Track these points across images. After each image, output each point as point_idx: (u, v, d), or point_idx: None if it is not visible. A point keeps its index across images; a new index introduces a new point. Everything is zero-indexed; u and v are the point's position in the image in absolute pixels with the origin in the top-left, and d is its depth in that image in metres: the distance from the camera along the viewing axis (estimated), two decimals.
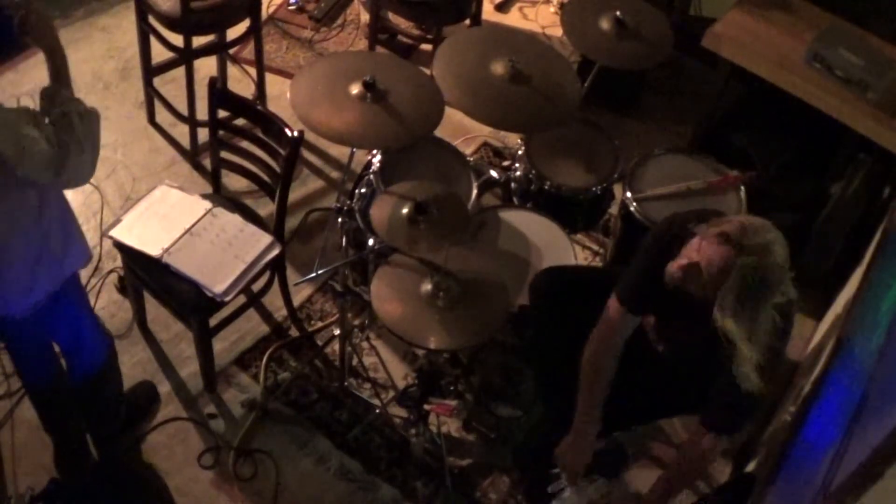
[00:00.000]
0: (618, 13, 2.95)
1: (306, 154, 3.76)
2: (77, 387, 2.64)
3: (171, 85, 3.77)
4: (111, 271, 3.29)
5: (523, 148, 3.10)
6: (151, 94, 3.70)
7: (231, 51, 3.85)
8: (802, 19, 3.35)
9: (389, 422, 2.99)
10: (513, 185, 3.15)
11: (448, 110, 2.66)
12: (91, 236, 3.37)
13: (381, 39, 4.10)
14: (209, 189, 3.07)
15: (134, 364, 3.07)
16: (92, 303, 3.01)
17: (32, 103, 2.06)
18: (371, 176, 2.94)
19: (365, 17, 4.13)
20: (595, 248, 3.49)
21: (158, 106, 3.72)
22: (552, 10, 4.47)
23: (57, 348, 2.57)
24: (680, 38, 3.08)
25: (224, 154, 2.96)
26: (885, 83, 3.03)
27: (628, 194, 2.98)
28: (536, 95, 2.75)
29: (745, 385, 2.12)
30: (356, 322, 3.16)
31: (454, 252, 2.46)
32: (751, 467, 2.76)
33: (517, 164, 3.14)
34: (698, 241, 2.14)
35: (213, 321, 2.85)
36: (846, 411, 2.04)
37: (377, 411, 2.99)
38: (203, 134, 3.58)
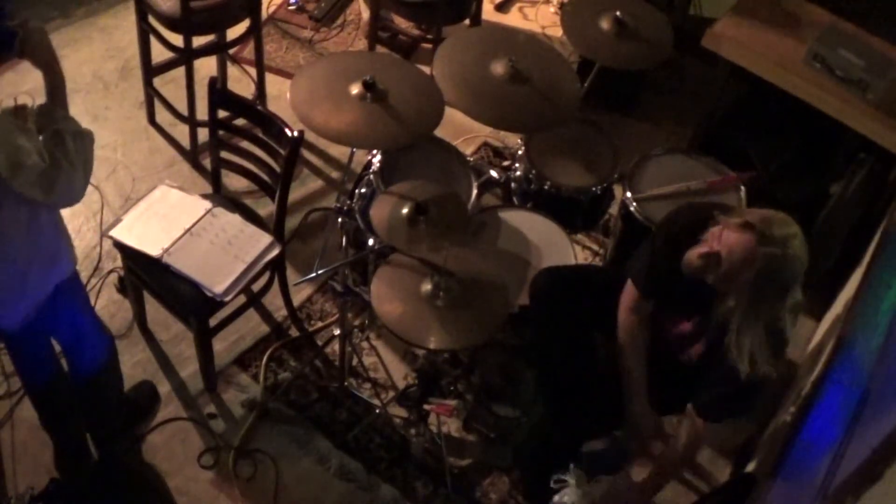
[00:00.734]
0: (618, 13, 2.95)
1: (306, 154, 3.76)
2: (78, 385, 2.65)
3: (171, 85, 3.77)
4: (111, 271, 3.29)
5: (523, 148, 3.10)
6: (151, 94, 3.70)
7: (231, 51, 3.85)
8: (802, 19, 3.35)
9: (389, 422, 2.99)
10: (513, 185, 3.15)
11: (448, 110, 2.65)
12: (91, 236, 3.38)
13: (381, 39, 4.10)
14: (209, 189, 3.07)
15: (134, 364, 3.07)
16: (92, 303, 3.00)
17: (31, 101, 2.06)
18: (371, 176, 2.94)
19: (365, 17, 4.13)
20: (595, 248, 3.49)
21: (158, 106, 3.73)
22: (552, 10, 4.47)
23: (58, 347, 2.57)
24: (680, 38, 3.08)
25: (224, 154, 2.96)
26: (885, 83, 3.03)
27: (628, 194, 2.98)
28: (536, 95, 2.75)
29: (741, 369, 2.15)
30: (356, 322, 3.16)
31: (454, 252, 2.46)
32: (751, 467, 2.76)
33: (517, 164, 3.14)
34: (720, 229, 2.14)
35: (213, 321, 2.85)
36: (846, 411, 2.04)
37: (377, 411, 2.99)
38: (203, 134, 3.58)
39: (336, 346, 3.05)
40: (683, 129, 3.89)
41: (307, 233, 3.49)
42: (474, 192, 2.96)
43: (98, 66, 3.97)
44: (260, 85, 3.74)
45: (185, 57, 3.42)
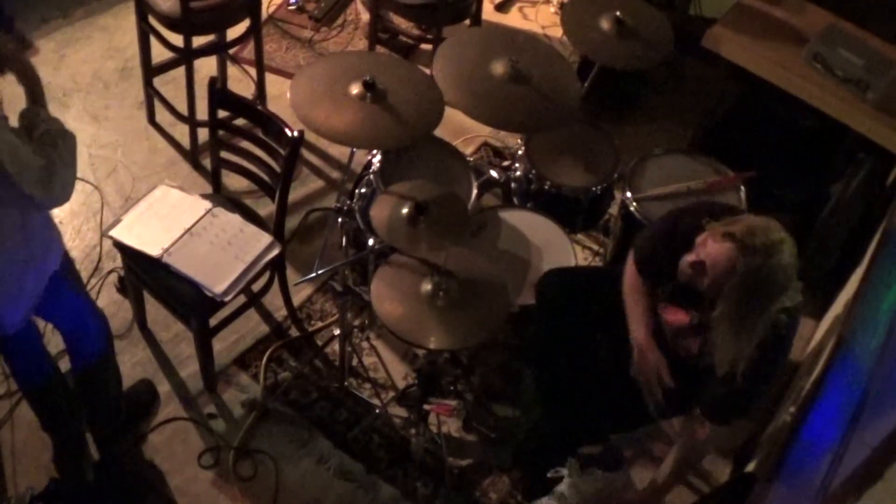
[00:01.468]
0: (618, 13, 2.95)
1: (306, 154, 3.76)
2: (81, 376, 2.66)
3: (171, 85, 3.77)
4: (111, 271, 3.29)
5: (523, 148, 3.10)
6: (151, 94, 3.70)
7: (231, 51, 3.85)
8: (802, 19, 3.35)
9: (389, 422, 2.99)
10: (513, 185, 3.15)
11: (448, 110, 2.65)
12: (91, 236, 3.38)
13: (381, 39, 4.10)
14: (209, 189, 3.07)
15: (134, 364, 3.07)
16: None
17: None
18: (371, 176, 2.94)
19: (365, 17, 4.13)
20: (595, 248, 3.49)
21: (158, 106, 3.73)
22: (552, 10, 4.48)
23: (56, 346, 2.58)
24: (680, 38, 3.08)
25: (224, 154, 2.96)
26: (885, 83, 3.03)
27: (628, 194, 2.98)
28: (536, 95, 2.75)
29: (718, 371, 2.18)
30: (356, 322, 3.16)
31: (454, 252, 2.46)
32: (751, 467, 2.76)
33: (517, 164, 3.14)
34: (705, 237, 2.15)
35: (213, 321, 2.85)
36: (846, 411, 2.04)
37: (377, 411, 2.99)
38: (203, 134, 3.58)
39: (336, 346, 3.05)
40: (683, 129, 3.89)
41: (307, 233, 3.49)
42: (474, 192, 2.96)
43: (98, 66, 3.97)
44: (260, 85, 3.74)
45: (185, 57, 3.42)
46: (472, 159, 3.32)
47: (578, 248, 3.02)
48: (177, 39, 3.36)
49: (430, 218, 2.41)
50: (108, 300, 3.23)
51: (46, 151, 2.00)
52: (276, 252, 2.79)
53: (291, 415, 3.00)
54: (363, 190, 2.98)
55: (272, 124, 2.72)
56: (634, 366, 2.47)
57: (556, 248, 2.89)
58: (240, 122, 2.99)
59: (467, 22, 3.87)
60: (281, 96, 3.84)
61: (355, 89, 2.56)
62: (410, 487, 2.87)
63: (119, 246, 2.77)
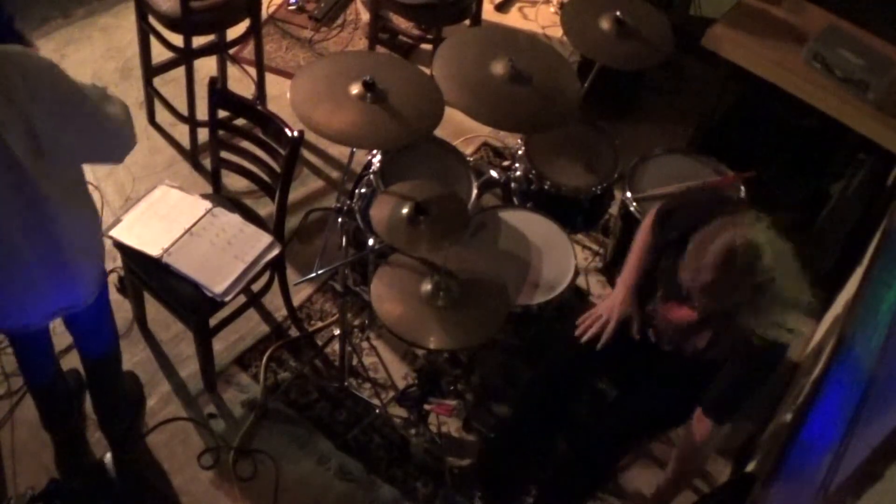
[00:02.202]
0: (618, 13, 2.95)
1: (306, 154, 3.76)
2: (92, 372, 2.70)
3: (171, 85, 3.77)
4: (111, 271, 3.28)
5: (523, 148, 3.10)
6: (151, 94, 3.70)
7: (231, 51, 3.85)
8: (802, 19, 3.35)
9: (389, 422, 2.99)
10: (513, 185, 3.14)
11: (448, 110, 2.65)
12: None
13: (381, 39, 4.10)
14: (209, 189, 3.07)
15: (134, 364, 3.07)
16: None
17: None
18: (371, 176, 2.94)
19: (365, 17, 4.13)
20: (595, 248, 3.49)
21: (158, 106, 3.73)
22: (552, 10, 4.47)
23: (60, 343, 2.58)
24: (680, 38, 3.08)
25: (224, 154, 2.96)
26: (885, 83, 3.03)
27: (628, 194, 2.98)
28: (536, 95, 2.75)
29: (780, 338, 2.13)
30: (356, 322, 3.16)
31: (454, 252, 2.46)
32: (751, 467, 2.76)
33: (517, 164, 3.14)
34: (694, 256, 2.13)
35: (213, 321, 2.85)
36: (846, 411, 2.04)
37: (377, 411, 2.99)
38: (203, 134, 3.58)
39: (336, 346, 3.05)
40: (683, 129, 3.89)
41: (307, 233, 3.48)
42: (474, 192, 2.96)
43: (98, 66, 3.97)
44: (260, 85, 3.74)
45: (185, 57, 3.42)
46: (472, 159, 3.32)
47: (578, 248, 3.02)
48: (177, 39, 3.36)
49: (430, 218, 2.40)
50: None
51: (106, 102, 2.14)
52: (276, 252, 2.79)
53: (291, 415, 3.00)
54: (363, 190, 2.98)
55: (272, 124, 2.72)
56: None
57: (556, 248, 2.89)
58: (240, 122, 2.99)
59: (467, 22, 3.87)
60: (281, 96, 3.84)
61: (355, 89, 2.55)
62: (410, 487, 2.87)
63: (119, 246, 2.77)
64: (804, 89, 3.14)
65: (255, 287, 2.94)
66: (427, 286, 2.44)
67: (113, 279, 3.27)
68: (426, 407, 2.86)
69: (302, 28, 4.28)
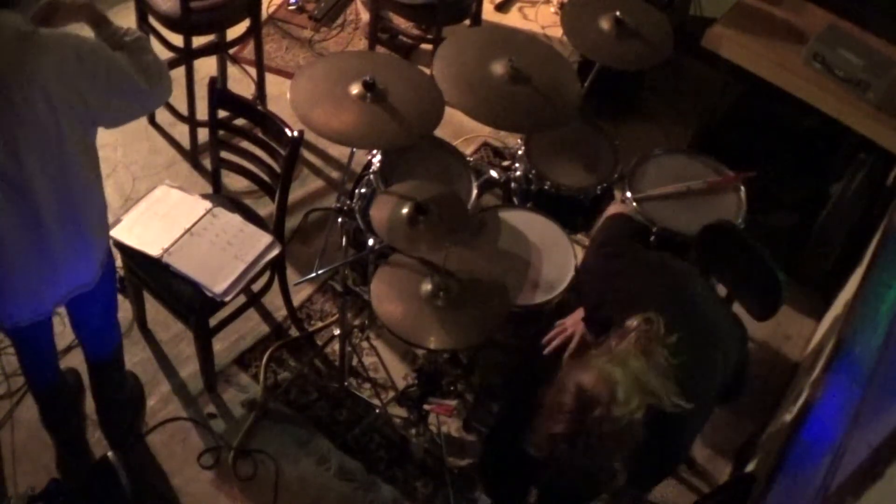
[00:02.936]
0: (618, 13, 2.95)
1: (306, 154, 3.76)
2: (97, 366, 2.71)
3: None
4: None
5: (523, 148, 3.10)
6: None
7: (231, 51, 3.85)
8: (802, 19, 3.35)
9: (389, 422, 2.99)
10: (513, 185, 3.14)
11: (448, 110, 2.65)
12: None
13: (381, 39, 4.10)
14: (209, 189, 3.07)
15: (134, 364, 3.07)
16: None
17: None
18: (371, 176, 2.94)
19: (365, 17, 4.13)
20: None
21: None
22: (552, 10, 4.47)
23: (62, 340, 2.58)
24: (680, 38, 3.08)
25: (224, 154, 2.96)
26: (885, 83, 3.03)
27: (628, 194, 2.98)
28: (536, 95, 2.75)
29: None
30: (356, 322, 3.16)
31: (454, 252, 2.46)
32: (751, 467, 2.76)
33: (517, 164, 3.14)
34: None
35: (213, 321, 2.85)
36: (846, 411, 2.04)
37: (377, 411, 2.99)
38: (203, 134, 3.58)
39: (336, 346, 3.05)
40: (683, 129, 3.89)
41: (307, 233, 3.48)
42: (474, 192, 2.96)
43: None
44: (260, 85, 3.74)
45: (185, 57, 3.41)
46: (472, 159, 3.32)
47: (578, 248, 3.02)
48: (177, 39, 3.36)
49: (430, 218, 2.40)
50: None
51: (143, 53, 2.19)
52: (276, 252, 2.79)
53: (291, 415, 3.00)
54: (363, 190, 2.98)
55: (272, 124, 2.72)
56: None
57: (556, 248, 2.89)
58: (240, 122, 2.99)
59: (467, 22, 3.87)
60: (281, 96, 3.84)
61: (355, 89, 2.56)
62: (410, 487, 2.87)
63: (119, 246, 2.77)
64: (804, 89, 3.14)
65: (255, 287, 2.94)
66: (427, 286, 2.44)
67: None
68: (426, 407, 2.86)
69: (302, 28, 4.28)
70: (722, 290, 2.73)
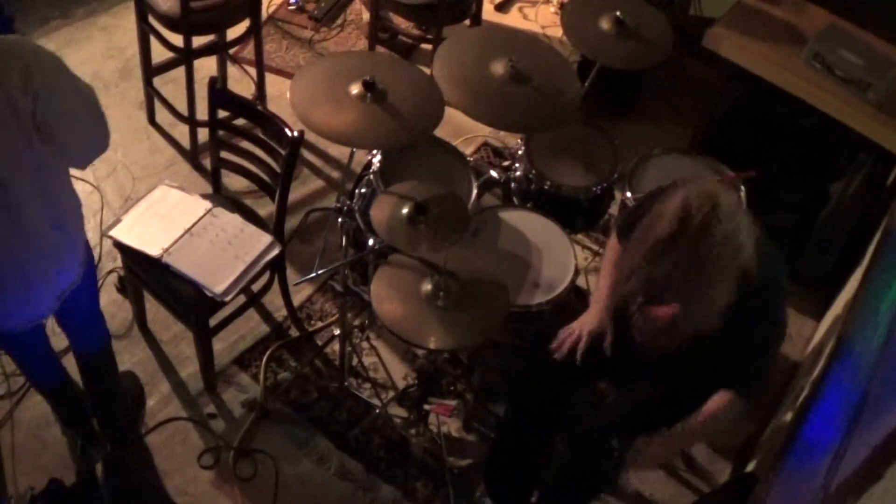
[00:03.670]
0: (618, 13, 2.95)
1: (306, 154, 3.76)
2: (87, 370, 2.70)
3: (171, 85, 3.77)
4: (111, 271, 3.29)
5: (523, 148, 3.10)
6: (151, 94, 3.70)
7: (231, 51, 3.85)
8: (802, 19, 3.35)
9: (389, 422, 2.99)
10: (513, 185, 3.14)
11: (448, 110, 2.65)
12: (91, 236, 3.36)
13: (381, 39, 4.10)
14: (209, 189, 3.07)
15: (134, 364, 3.07)
16: None
17: None
18: (371, 176, 2.94)
19: (365, 17, 4.13)
20: (595, 248, 3.49)
21: (158, 106, 3.72)
22: (552, 10, 4.47)
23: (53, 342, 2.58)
24: (680, 38, 3.08)
25: (224, 154, 2.96)
26: (885, 83, 3.03)
27: (628, 194, 2.98)
28: (536, 95, 2.75)
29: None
30: (356, 322, 3.16)
31: (454, 252, 2.46)
32: (751, 467, 2.76)
33: (517, 164, 3.14)
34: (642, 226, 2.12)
35: (213, 321, 2.85)
36: (846, 411, 2.04)
37: (377, 411, 2.99)
38: (203, 134, 3.58)
39: (336, 346, 3.05)
40: (683, 129, 3.89)
41: (307, 233, 3.49)
42: (474, 192, 2.96)
43: (98, 66, 3.97)
44: (260, 85, 3.74)
45: (185, 57, 3.42)
46: (472, 159, 3.32)
47: (578, 248, 3.02)
48: (177, 39, 3.36)
49: (430, 218, 2.40)
50: (108, 300, 3.23)
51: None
52: (276, 252, 2.79)
53: (291, 415, 3.00)
54: (363, 190, 2.98)
55: (272, 124, 2.72)
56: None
57: (556, 248, 2.89)
58: (240, 122, 2.99)
59: (467, 22, 3.87)
60: (281, 96, 3.84)
61: (355, 89, 2.55)
62: (410, 487, 2.87)
63: (119, 246, 2.77)
64: (804, 89, 3.14)
65: (255, 287, 2.94)
66: (427, 286, 2.44)
67: (113, 279, 3.28)
68: (426, 407, 2.86)
69: (302, 28, 4.28)
70: None
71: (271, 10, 4.33)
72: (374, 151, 3.02)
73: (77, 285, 2.32)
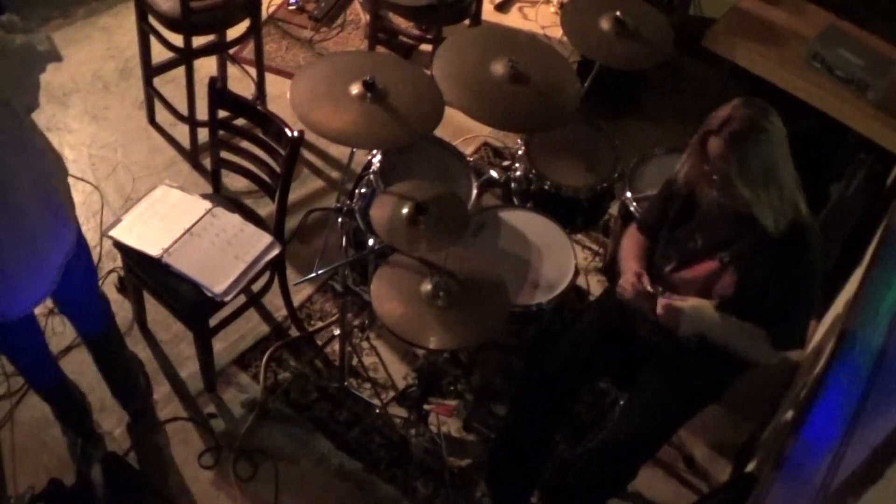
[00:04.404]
0: (618, 13, 2.95)
1: (306, 154, 3.76)
2: (98, 340, 2.72)
3: (171, 85, 3.77)
4: (111, 271, 3.29)
5: (523, 148, 3.10)
6: (151, 94, 3.70)
7: (231, 51, 3.85)
8: (802, 19, 3.35)
9: (389, 422, 2.99)
10: (513, 185, 3.15)
11: (448, 110, 2.65)
12: (91, 236, 3.37)
13: (381, 39, 4.10)
14: (209, 189, 3.07)
15: None
16: None
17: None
18: (371, 176, 2.94)
19: (365, 17, 4.13)
20: (595, 248, 3.49)
21: (158, 106, 3.73)
22: (552, 10, 4.47)
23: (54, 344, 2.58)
24: (680, 38, 3.08)
25: (224, 154, 2.96)
26: (885, 83, 3.03)
27: (628, 194, 2.98)
28: (536, 95, 2.75)
29: (767, 225, 2.20)
30: (356, 322, 3.16)
31: (454, 252, 2.46)
32: (751, 467, 2.76)
33: (517, 164, 3.14)
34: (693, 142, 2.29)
35: (213, 321, 2.85)
36: (846, 411, 2.04)
37: (377, 411, 2.99)
38: (203, 134, 3.58)
39: (336, 346, 3.05)
40: (683, 129, 3.88)
41: (307, 233, 3.49)
42: (474, 192, 2.96)
43: (98, 66, 3.97)
44: (260, 85, 3.74)
45: (185, 57, 3.42)
46: (472, 159, 3.32)
47: (578, 248, 3.02)
48: (177, 39, 3.36)
49: (430, 218, 2.40)
50: (109, 300, 3.23)
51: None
52: (276, 252, 2.79)
53: (291, 415, 3.00)
54: (363, 190, 2.98)
55: (272, 124, 2.72)
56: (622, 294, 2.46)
57: (556, 248, 2.89)
58: (240, 122, 2.99)
59: (467, 22, 3.87)
60: (281, 96, 3.84)
61: (355, 89, 2.56)
62: (410, 487, 2.87)
63: (119, 246, 2.77)
64: (804, 89, 3.14)
65: (255, 287, 2.94)
66: (427, 286, 2.44)
67: (113, 279, 3.28)
68: (426, 407, 2.86)
69: (302, 28, 4.28)
70: None
71: (271, 10, 4.33)
72: (374, 151, 3.02)
73: (73, 257, 2.30)
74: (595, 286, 3.33)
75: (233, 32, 3.52)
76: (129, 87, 3.90)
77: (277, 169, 2.79)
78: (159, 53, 3.56)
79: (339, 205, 2.85)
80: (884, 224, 2.96)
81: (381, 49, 4.07)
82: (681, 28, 3.20)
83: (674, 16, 3.67)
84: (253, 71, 3.74)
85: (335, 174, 3.71)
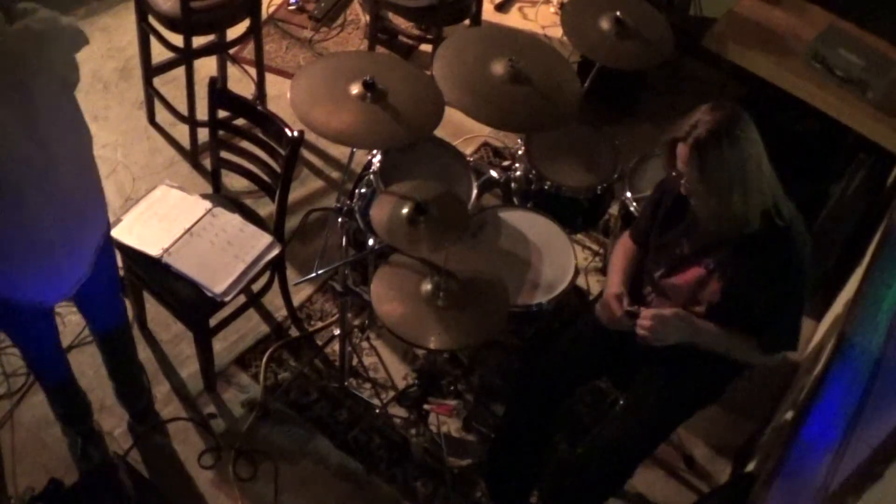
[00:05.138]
0: (618, 13, 2.95)
1: (306, 154, 3.76)
2: (112, 336, 2.72)
3: (171, 85, 3.77)
4: None
5: (523, 148, 3.10)
6: (151, 94, 3.70)
7: (231, 51, 3.85)
8: (802, 19, 3.35)
9: (389, 422, 2.99)
10: (513, 185, 3.15)
11: (448, 110, 2.65)
12: None
13: (381, 39, 4.10)
14: (209, 189, 3.07)
15: None
16: None
17: None
18: (371, 176, 2.94)
19: (365, 17, 4.13)
20: (595, 248, 3.49)
21: (158, 106, 3.73)
22: (552, 10, 4.47)
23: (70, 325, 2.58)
24: (680, 38, 3.08)
25: (224, 154, 2.96)
26: (885, 83, 3.03)
27: (628, 194, 2.98)
28: (536, 95, 2.75)
29: (731, 230, 2.22)
30: (356, 322, 3.16)
31: (454, 252, 2.46)
32: (751, 467, 2.76)
33: (517, 164, 3.14)
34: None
35: (213, 321, 2.85)
36: (846, 411, 2.04)
37: (377, 411, 2.99)
38: (203, 134, 3.58)
39: (336, 346, 3.05)
40: None
41: (307, 233, 3.48)
42: (474, 192, 2.96)
43: (98, 66, 3.97)
44: (260, 85, 3.74)
45: (185, 57, 3.42)
46: (472, 159, 3.32)
47: (578, 248, 3.02)
48: (177, 39, 3.36)
49: (430, 218, 2.40)
50: None
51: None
52: (276, 252, 2.79)
53: (291, 415, 3.00)
54: (363, 190, 2.98)
55: (272, 124, 2.72)
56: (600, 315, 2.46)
57: (556, 248, 2.89)
58: (240, 122, 2.99)
59: (467, 22, 3.87)
60: (281, 96, 3.84)
61: (355, 89, 2.55)
62: (410, 487, 2.87)
63: (119, 246, 2.77)
64: (804, 89, 3.14)
65: (255, 287, 2.94)
66: (427, 286, 2.44)
67: None
68: (426, 407, 2.86)
69: (302, 28, 4.28)
70: None
71: (271, 10, 4.33)
72: (374, 151, 3.02)
73: (104, 244, 2.34)
74: (595, 286, 3.33)
75: (233, 32, 3.52)
76: (129, 87, 3.90)
77: (277, 169, 2.79)
78: (159, 53, 3.56)
79: (339, 205, 2.85)
80: (884, 224, 2.96)
81: (381, 49, 4.07)
82: (681, 28, 3.20)
83: (674, 16, 3.67)
84: (253, 71, 3.74)
85: (335, 174, 3.71)
